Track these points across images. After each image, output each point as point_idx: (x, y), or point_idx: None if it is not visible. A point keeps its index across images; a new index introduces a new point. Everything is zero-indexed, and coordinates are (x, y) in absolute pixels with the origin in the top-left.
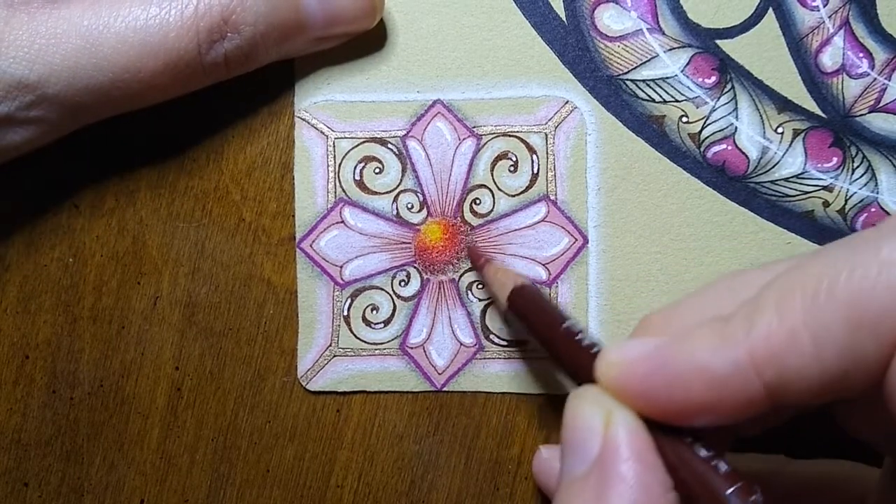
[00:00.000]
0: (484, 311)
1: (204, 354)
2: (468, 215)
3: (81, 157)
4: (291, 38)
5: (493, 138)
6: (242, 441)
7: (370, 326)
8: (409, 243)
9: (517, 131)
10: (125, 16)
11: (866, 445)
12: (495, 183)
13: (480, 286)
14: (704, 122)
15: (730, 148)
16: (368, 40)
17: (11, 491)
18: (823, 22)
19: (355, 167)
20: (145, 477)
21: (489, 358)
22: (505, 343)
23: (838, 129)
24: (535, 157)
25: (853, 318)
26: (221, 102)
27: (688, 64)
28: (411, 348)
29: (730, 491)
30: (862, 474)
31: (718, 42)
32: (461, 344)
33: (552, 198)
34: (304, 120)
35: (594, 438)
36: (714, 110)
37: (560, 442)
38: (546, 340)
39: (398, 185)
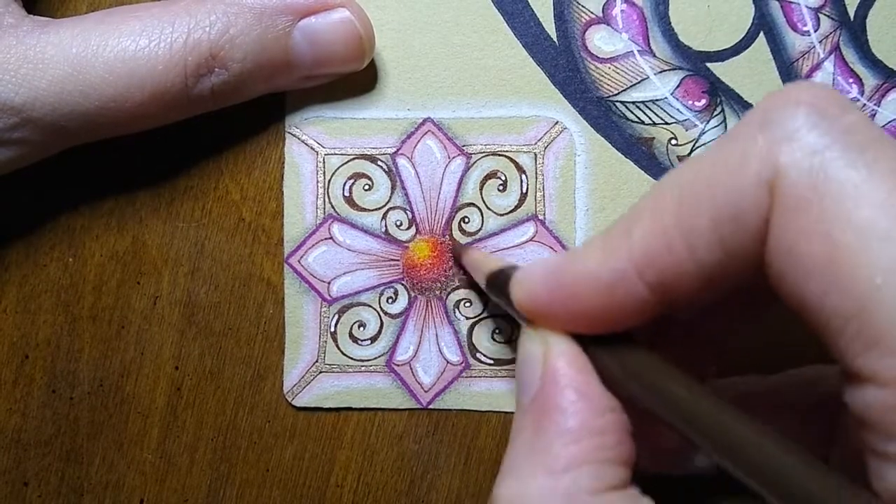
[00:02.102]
0: (471, 330)
1: (204, 354)
2: (457, 233)
3: (81, 157)
4: (279, 75)
5: (482, 157)
6: (242, 440)
7: (357, 343)
8: (398, 260)
9: (507, 151)
10: (114, 45)
11: None
12: (484, 202)
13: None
14: (694, 145)
15: None
16: None
17: (11, 490)
18: (814, 47)
19: (345, 184)
20: (145, 476)
21: (475, 376)
22: (491, 361)
23: None
24: (524, 176)
25: (717, 214)
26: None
27: (678, 86)
28: (398, 365)
29: None
30: (824, 373)
31: (709, 65)
32: (448, 362)
33: (540, 218)
34: (293, 136)
35: (536, 370)
36: (703, 133)
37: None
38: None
39: (387, 203)
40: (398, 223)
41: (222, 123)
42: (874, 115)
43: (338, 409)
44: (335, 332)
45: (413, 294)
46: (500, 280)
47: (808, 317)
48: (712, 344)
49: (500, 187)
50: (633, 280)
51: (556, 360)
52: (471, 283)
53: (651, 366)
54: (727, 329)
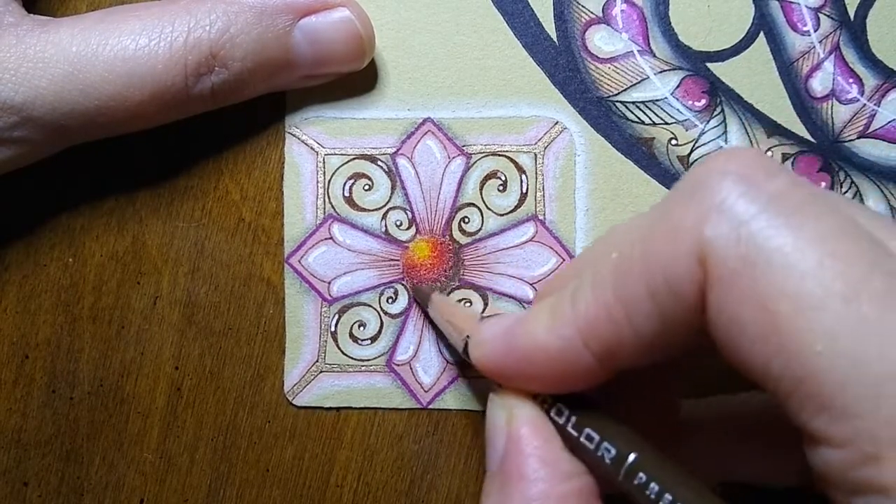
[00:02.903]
0: None
1: (203, 354)
2: (456, 233)
3: (81, 157)
4: (279, 75)
5: (482, 157)
6: (242, 440)
7: (357, 343)
8: (398, 260)
9: (507, 151)
10: (114, 44)
11: None
12: (484, 202)
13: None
14: (694, 145)
15: None
16: None
17: (11, 490)
18: (814, 47)
19: (345, 184)
20: (145, 476)
21: (475, 376)
22: None
23: (827, 154)
24: (524, 176)
25: (653, 286)
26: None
27: (678, 86)
28: (398, 365)
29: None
30: None
31: (709, 65)
32: (447, 362)
33: (540, 218)
34: (293, 136)
35: (500, 437)
36: (703, 133)
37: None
38: None
39: (387, 203)
40: (398, 223)
41: (222, 123)
42: (874, 116)
43: (338, 409)
44: (335, 331)
45: (413, 294)
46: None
47: (757, 381)
48: (676, 375)
49: (500, 187)
50: (579, 349)
51: (520, 428)
52: (438, 333)
53: (604, 427)
54: (686, 362)
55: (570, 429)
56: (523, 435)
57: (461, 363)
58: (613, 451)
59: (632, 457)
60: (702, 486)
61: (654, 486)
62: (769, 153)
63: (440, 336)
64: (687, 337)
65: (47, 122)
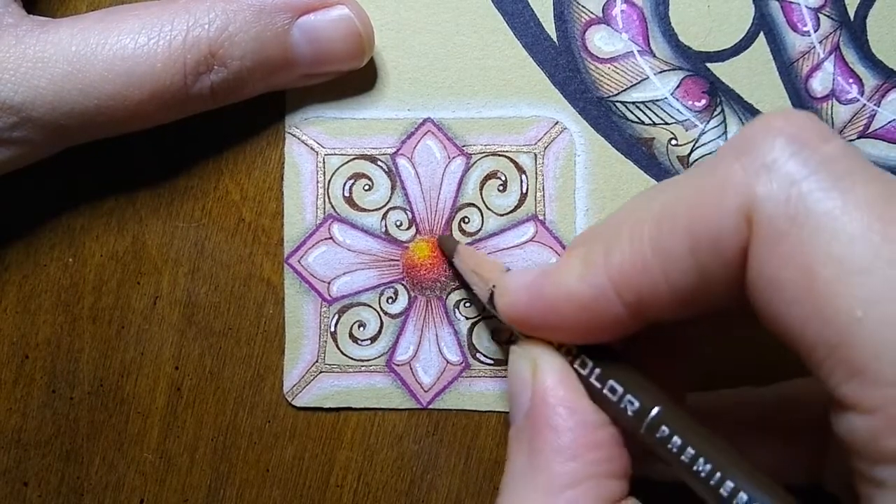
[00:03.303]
0: (471, 330)
1: (203, 354)
2: (457, 234)
3: (81, 157)
4: (279, 74)
5: (482, 157)
6: (242, 440)
7: (357, 343)
8: (398, 260)
9: (507, 151)
10: (113, 44)
11: None
12: (484, 202)
13: (463, 280)
14: (694, 145)
15: None
16: None
17: (11, 490)
18: (814, 47)
19: (345, 184)
20: (145, 476)
21: (475, 376)
22: (491, 362)
23: None
24: (524, 176)
25: (694, 242)
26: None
27: (678, 87)
28: (398, 365)
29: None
30: (819, 388)
31: (709, 65)
32: (447, 362)
33: (540, 218)
34: (293, 136)
35: (526, 389)
36: (703, 133)
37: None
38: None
39: (387, 203)
40: (398, 223)
41: (222, 124)
42: (874, 116)
43: (338, 409)
44: (335, 332)
45: (413, 294)
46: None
47: (791, 344)
48: (699, 355)
49: (500, 187)
50: (611, 298)
51: (545, 379)
52: (462, 283)
53: (628, 380)
54: (713, 339)
55: (593, 380)
56: (549, 386)
57: (487, 316)
58: (637, 404)
59: (655, 410)
60: (724, 442)
61: (676, 439)
62: None
63: (465, 288)
64: (720, 295)
65: (47, 121)
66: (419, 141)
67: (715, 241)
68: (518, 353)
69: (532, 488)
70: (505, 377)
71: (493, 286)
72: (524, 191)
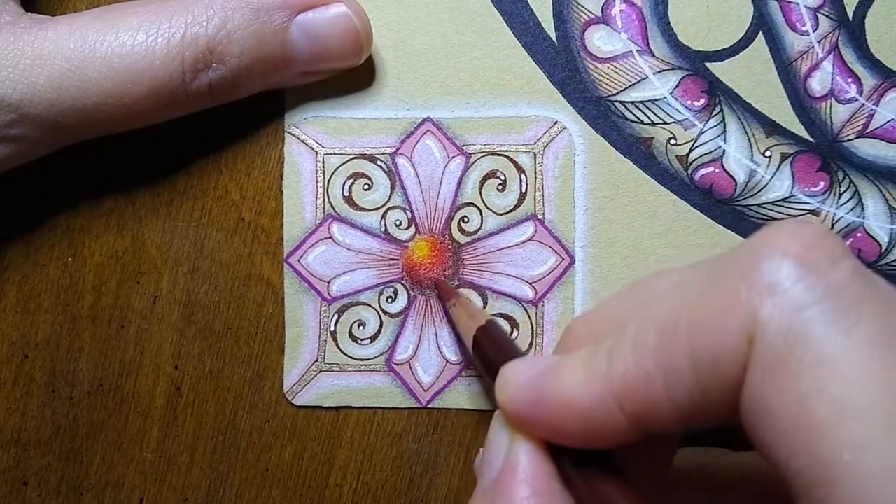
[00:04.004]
0: None
1: (203, 354)
2: (456, 233)
3: (81, 157)
4: (277, 71)
5: (481, 157)
6: (242, 440)
7: (357, 342)
8: (397, 260)
9: (506, 150)
10: (111, 41)
11: None
12: (483, 201)
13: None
14: (692, 145)
15: (717, 171)
16: None
17: (11, 490)
18: (813, 47)
19: (344, 183)
20: (144, 476)
21: (474, 376)
22: None
23: (826, 154)
24: (523, 176)
25: (694, 360)
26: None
27: (677, 86)
28: (397, 365)
29: None
30: None
31: (708, 65)
32: (447, 361)
33: (540, 217)
34: (293, 135)
35: (499, 456)
36: (702, 133)
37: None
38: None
39: (387, 202)
40: (398, 223)
41: (222, 123)
42: (872, 115)
43: (337, 409)
44: (335, 331)
45: (413, 293)
46: (487, 364)
47: (777, 469)
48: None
49: (500, 187)
50: (612, 409)
51: (520, 452)
52: (453, 328)
53: (602, 479)
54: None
55: (567, 465)
56: (521, 462)
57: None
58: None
59: None
60: None
61: None
62: (767, 153)
63: (455, 333)
64: (722, 413)
65: (45, 119)
66: (419, 140)
67: (716, 360)
68: (498, 420)
69: None
70: None
71: (494, 362)
72: (523, 190)
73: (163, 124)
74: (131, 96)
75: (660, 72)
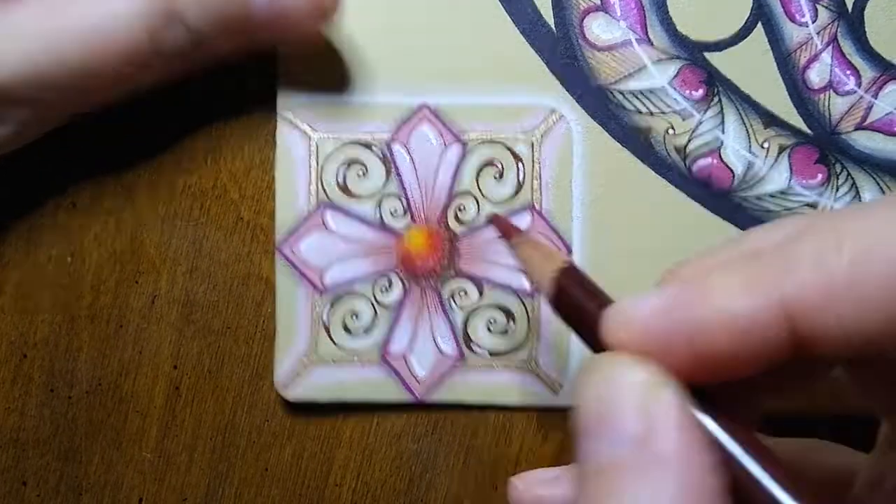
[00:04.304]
0: (466, 320)
1: (202, 353)
2: (452, 222)
3: (79, 156)
4: (240, 31)
5: (478, 145)
6: (241, 440)
7: (350, 334)
8: (392, 249)
9: (503, 138)
10: (78, 14)
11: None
12: (480, 190)
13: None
14: (691, 135)
15: (715, 162)
16: (355, 41)
17: (10, 490)
18: (812, 38)
19: (338, 170)
20: (143, 476)
21: (470, 368)
22: (487, 353)
23: (824, 146)
24: (520, 165)
25: (892, 283)
26: (220, 101)
27: (675, 76)
28: (392, 357)
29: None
30: (844, 456)
31: (706, 55)
32: (442, 353)
33: (537, 207)
34: (285, 119)
35: (630, 416)
36: (700, 123)
37: (578, 424)
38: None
39: (382, 190)
40: (393, 211)
41: (221, 122)
42: (871, 108)
43: (336, 408)
44: (328, 322)
45: (408, 284)
46: (576, 307)
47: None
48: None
49: (497, 175)
50: (779, 325)
51: (663, 406)
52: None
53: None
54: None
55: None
56: (669, 415)
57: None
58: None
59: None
60: None
61: None
62: (765, 144)
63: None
64: None
65: (23, 97)
66: (415, 127)
67: None
68: (615, 367)
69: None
70: (500, 369)
71: (590, 307)
72: (521, 179)
73: (162, 124)
74: (104, 64)
75: (658, 61)
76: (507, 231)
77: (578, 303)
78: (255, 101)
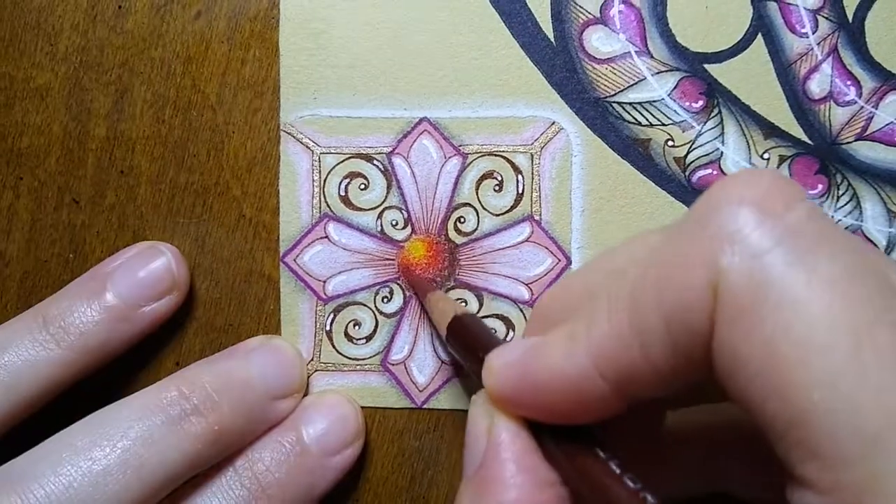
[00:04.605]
0: None
1: (205, 350)
2: (452, 233)
3: (81, 155)
4: None
5: (478, 157)
6: None
7: (352, 342)
8: (393, 260)
9: (503, 151)
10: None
11: None
12: (480, 202)
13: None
14: (690, 147)
15: (715, 173)
16: (356, 56)
17: None
18: (812, 49)
19: (340, 183)
20: None
21: (469, 376)
22: None
23: (824, 157)
24: (520, 177)
25: (665, 316)
26: (220, 100)
27: (675, 87)
28: (393, 364)
29: None
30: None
31: (706, 66)
32: (442, 361)
33: (536, 218)
34: (289, 134)
35: (480, 443)
36: (700, 135)
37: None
38: (477, 370)
39: (383, 202)
40: (394, 223)
41: (223, 121)
42: (871, 118)
43: None
44: (331, 330)
45: (408, 293)
46: (471, 349)
47: (752, 416)
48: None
49: (496, 187)
50: (594, 377)
51: (501, 433)
52: (431, 323)
53: (583, 451)
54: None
55: (546, 438)
56: (503, 440)
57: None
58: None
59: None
60: None
61: None
62: (766, 155)
63: (433, 328)
64: (699, 369)
65: None
66: (415, 140)
67: (685, 315)
68: (477, 405)
69: None
70: None
71: (478, 349)
72: (520, 191)
73: (162, 123)
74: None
75: (658, 73)
76: (421, 288)
77: (467, 344)
78: (257, 102)
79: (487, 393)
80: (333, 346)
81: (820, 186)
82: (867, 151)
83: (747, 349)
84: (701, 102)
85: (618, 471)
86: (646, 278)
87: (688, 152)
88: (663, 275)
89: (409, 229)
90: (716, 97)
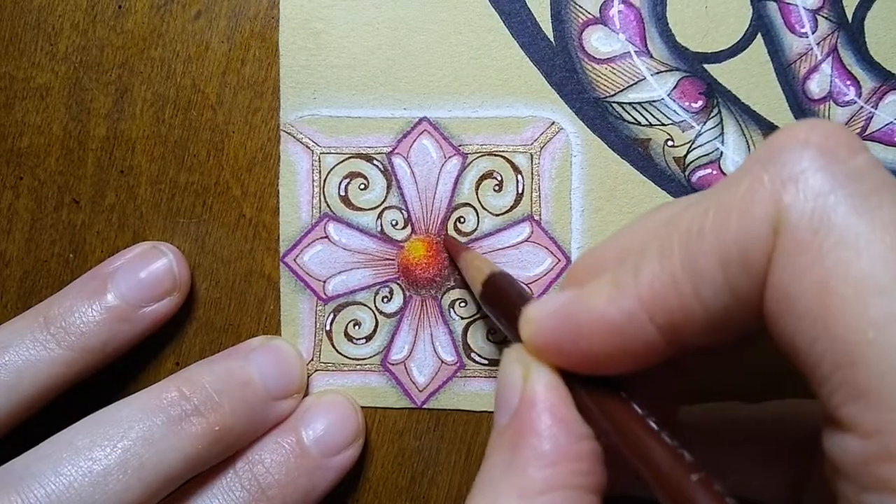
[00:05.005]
0: (465, 330)
1: (204, 350)
2: (452, 233)
3: (81, 154)
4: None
5: (478, 157)
6: None
7: (352, 342)
8: (393, 260)
9: (503, 151)
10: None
11: None
12: (480, 202)
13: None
14: (690, 147)
15: (715, 173)
16: (356, 56)
17: None
18: (811, 49)
19: (340, 183)
20: None
21: (470, 376)
22: (486, 362)
23: None
24: (519, 177)
25: (722, 255)
26: (220, 100)
27: (675, 87)
28: (392, 365)
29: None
30: (808, 409)
31: (706, 66)
32: (442, 361)
33: (536, 218)
34: (289, 134)
35: (515, 392)
36: (700, 134)
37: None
38: (512, 327)
39: (383, 202)
40: (394, 223)
41: (223, 120)
42: (871, 118)
43: None
44: (330, 330)
45: (408, 293)
46: (505, 305)
47: (797, 360)
48: (677, 379)
49: (496, 187)
50: (643, 321)
51: (536, 384)
52: (464, 282)
53: (618, 405)
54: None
55: (584, 393)
56: (539, 391)
57: (483, 315)
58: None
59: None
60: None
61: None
62: None
63: (466, 287)
64: (752, 314)
65: None
66: (415, 140)
67: (744, 253)
68: (511, 356)
69: (506, 488)
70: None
71: (514, 302)
72: (520, 191)
73: (162, 123)
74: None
75: (658, 73)
76: (454, 248)
77: (501, 302)
78: (257, 101)
79: (525, 343)
80: (333, 346)
81: None
82: None
83: (802, 286)
84: (700, 102)
85: (655, 427)
86: (703, 217)
87: (687, 152)
88: (723, 213)
89: (408, 229)
90: (715, 97)
